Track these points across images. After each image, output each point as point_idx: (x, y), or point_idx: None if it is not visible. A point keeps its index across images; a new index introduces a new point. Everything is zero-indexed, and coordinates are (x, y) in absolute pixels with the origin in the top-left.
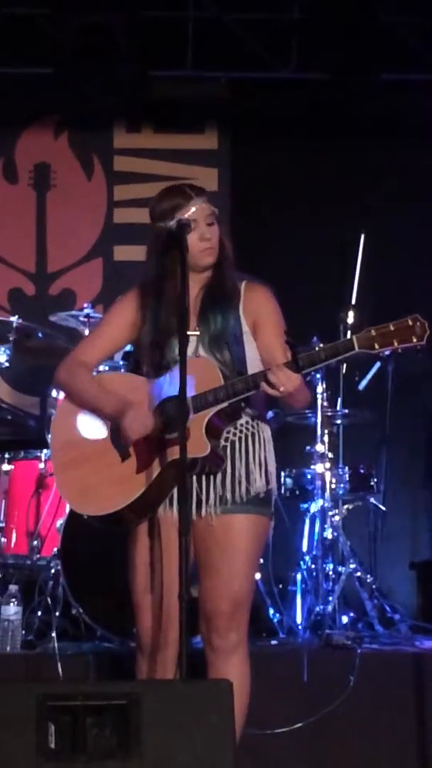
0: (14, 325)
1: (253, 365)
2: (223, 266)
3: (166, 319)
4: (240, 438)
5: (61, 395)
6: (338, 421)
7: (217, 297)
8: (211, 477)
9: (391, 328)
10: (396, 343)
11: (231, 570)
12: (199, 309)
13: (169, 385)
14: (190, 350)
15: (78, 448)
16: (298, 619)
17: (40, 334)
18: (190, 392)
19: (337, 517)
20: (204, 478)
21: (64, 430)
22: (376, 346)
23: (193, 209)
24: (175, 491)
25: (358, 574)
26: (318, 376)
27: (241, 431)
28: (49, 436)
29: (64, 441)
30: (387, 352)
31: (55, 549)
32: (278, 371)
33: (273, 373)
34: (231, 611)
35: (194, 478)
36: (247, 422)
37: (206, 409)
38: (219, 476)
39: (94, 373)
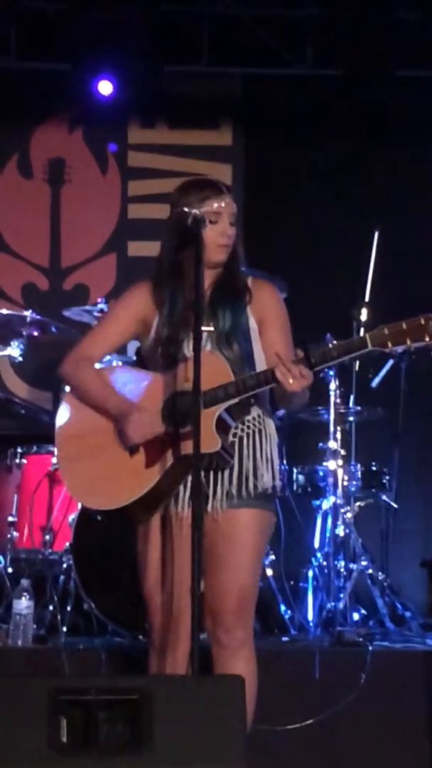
0: (28, 319)
1: (261, 362)
2: (234, 265)
3: (179, 314)
4: (248, 434)
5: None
6: (351, 419)
7: (227, 294)
8: (219, 472)
9: (404, 326)
10: (409, 342)
11: (237, 564)
12: (208, 305)
13: (178, 380)
14: None
15: (84, 441)
16: (310, 616)
17: (53, 329)
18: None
19: (349, 515)
20: (212, 473)
21: (70, 422)
22: (389, 345)
23: (223, 204)
24: (181, 486)
25: (370, 571)
26: (331, 373)
27: (248, 427)
28: (55, 428)
29: (70, 433)
30: (399, 351)
31: (67, 544)
32: (293, 366)
33: (288, 368)
34: (237, 607)
35: (202, 473)
36: (254, 418)
37: (216, 404)
38: (227, 472)
39: (103, 364)
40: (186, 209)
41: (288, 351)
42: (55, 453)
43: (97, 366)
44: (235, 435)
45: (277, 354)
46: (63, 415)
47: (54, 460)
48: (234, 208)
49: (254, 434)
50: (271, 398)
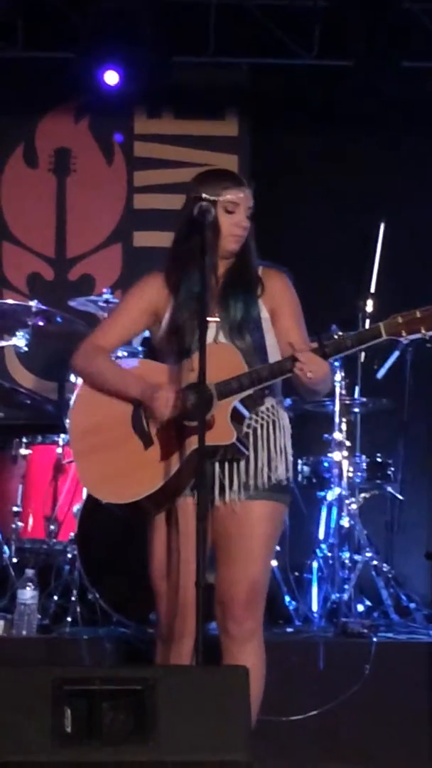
0: (33, 309)
1: (273, 352)
2: (247, 257)
3: (189, 304)
4: (262, 425)
5: (80, 380)
6: (356, 410)
7: (238, 284)
8: (234, 464)
9: (418, 315)
10: (423, 330)
11: (249, 555)
12: (220, 295)
13: (190, 371)
14: (210, 337)
15: (99, 435)
16: (314, 607)
17: (59, 319)
18: (213, 379)
19: (353, 506)
20: (227, 464)
21: (83, 417)
22: (403, 333)
23: (241, 194)
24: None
25: (375, 562)
26: (336, 363)
27: (262, 418)
28: (68, 422)
29: (84, 427)
30: (407, 339)
31: (72, 534)
32: (308, 357)
33: (302, 360)
34: (248, 598)
35: (216, 464)
36: (268, 409)
37: (230, 396)
38: (242, 463)
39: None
40: (201, 196)
41: (302, 339)
42: (71, 448)
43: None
44: (249, 426)
45: (291, 344)
46: (76, 408)
47: (59, 450)
48: (251, 201)
49: (268, 425)
50: (292, 386)
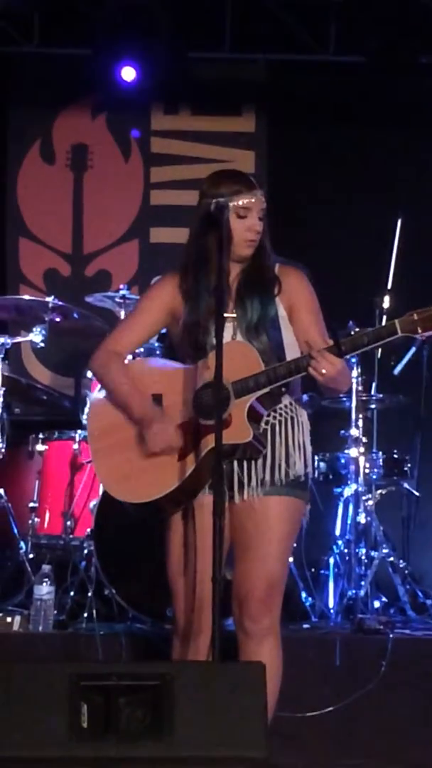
0: (50, 305)
1: (291, 349)
2: (261, 258)
3: (205, 303)
4: (280, 422)
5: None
6: (373, 406)
7: (254, 282)
8: (253, 461)
9: None
10: None
11: (266, 552)
12: (236, 294)
13: (206, 369)
14: (227, 335)
15: (117, 434)
16: (331, 604)
17: (75, 315)
18: (230, 377)
19: (370, 502)
20: (245, 462)
21: (102, 416)
22: (419, 330)
23: (253, 199)
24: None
25: (391, 559)
26: (353, 360)
27: (280, 415)
28: (85, 419)
29: (102, 427)
30: (423, 336)
31: (89, 530)
32: (321, 356)
33: (316, 358)
34: (265, 594)
35: (235, 462)
36: (286, 406)
37: (247, 394)
38: (260, 460)
39: (130, 357)
40: (214, 200)
41: (320, 336)
42: (89, 447)
43: (129, 358)
44: (267, 423)
45: (307, 342)
46: (94, 407)
47: (75, 446)
48: (263, 203)
49: (286, 422)
50: (310, 383)
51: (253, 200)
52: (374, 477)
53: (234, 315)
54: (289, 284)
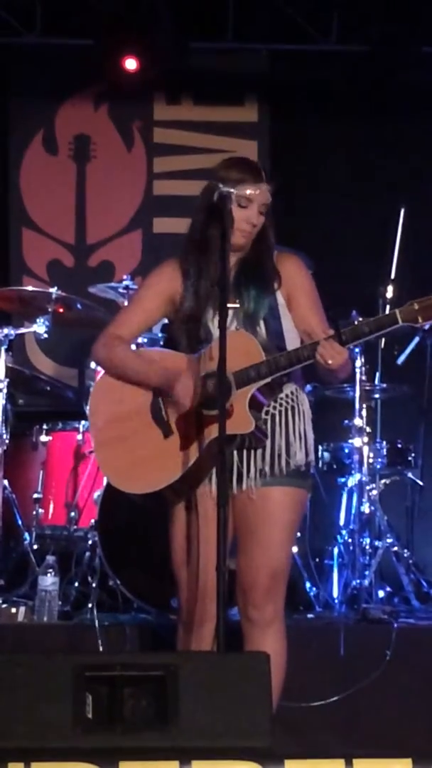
0: (53, 296)
1: (290, 338)
2: (262, 250)
3: (205, 291)
4: (280, 411)
5: (100, 368)
6: (376, 395)
7: (252, 272)
8: (252, 451)
9: None
10: None
11: (269, 541)
12: (234, 283)
13: (208, 359)
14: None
15: (119, 425)
16: (335, 593)
17: (78, 306)
18: (231, 367)
19: (374, 492)
20: (245, 451)
21: (103, 407)
22: (420, 319)
23: (256, 191)
24: None
25: (395, 548)
26: (357, 350)
27: (281, 404)
28: (88, 409)
29: (104, 418)
30: (427, 326)
31: (93, 520)
32: (327, 345)
33: (323, 347)
34: (269, 583)
35: (234, 452)
36: (287, 395)
37: (248, 384)
38: (260, 450)
39: (133, 347)
40: (217, 184)
41: (320, 323)
42: (92, 439)
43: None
44: (267, 413)
45: (309, 333)
46: (95, 399)
47: (79, 437)
48: (268, 198)
49: (286, 411)
50: (312, 372)
51: (256, 192)
52: (378, 467)
53: (237, 305)
54: (287, 271)
